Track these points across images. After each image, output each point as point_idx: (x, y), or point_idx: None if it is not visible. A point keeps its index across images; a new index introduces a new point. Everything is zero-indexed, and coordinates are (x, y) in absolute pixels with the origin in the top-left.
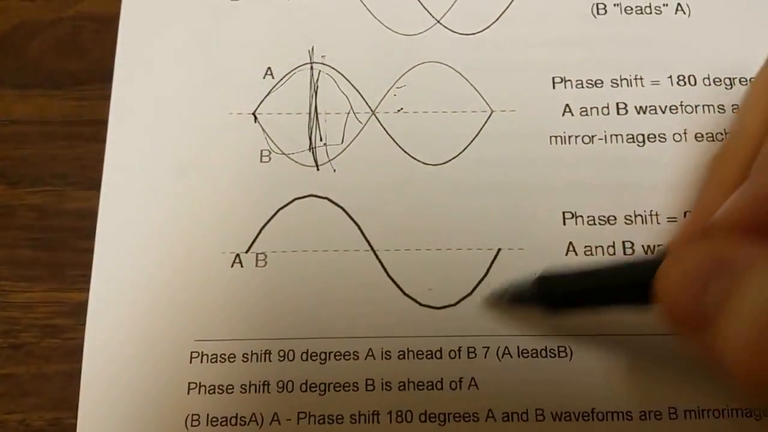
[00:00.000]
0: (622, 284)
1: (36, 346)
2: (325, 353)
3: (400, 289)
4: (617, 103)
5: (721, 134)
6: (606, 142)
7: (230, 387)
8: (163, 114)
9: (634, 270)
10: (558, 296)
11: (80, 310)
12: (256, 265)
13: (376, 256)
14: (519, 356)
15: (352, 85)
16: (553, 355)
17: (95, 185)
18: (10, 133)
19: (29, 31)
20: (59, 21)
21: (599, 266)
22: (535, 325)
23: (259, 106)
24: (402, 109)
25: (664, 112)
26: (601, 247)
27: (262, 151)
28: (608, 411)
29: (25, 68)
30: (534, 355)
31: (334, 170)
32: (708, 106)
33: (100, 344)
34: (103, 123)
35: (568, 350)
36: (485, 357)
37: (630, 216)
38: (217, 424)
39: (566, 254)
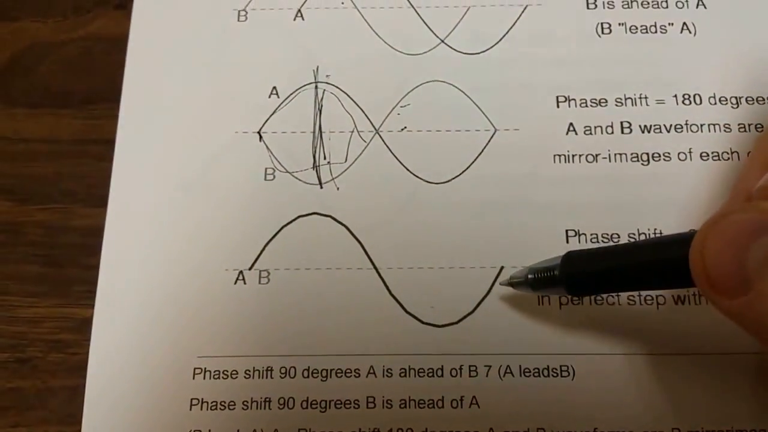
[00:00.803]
0: (653, 261)
1: (42, 361)
2: (327, 370)
3: (402, 307)
4: (621, 122)
5: (727, 153)
6: (610, 160)
7: (232, 403)
8: (170, 133)
9: (664, 247)
10: (585, 276)
11: (85, 326)
12: (259, 282)
13: (378, 274)
14: (521, 375)
15: (356, 104)
16: (555, 375)
17: (102, 203)
18: (19, 151)
19: (40, 52)
20: (69, 42)
21: (625, 246)
22: (537, 343)
23: (264, 124)
24: (406, 127)
25: (669, 131)
26: None
27: (266, 169)
28: (611, 431)
29: (35, 88)
30: (536, 374)
31: (338, 188)
32: (713, 125)
33: (105, 359)
34: (110, 142)
35: (571, 369)
36: (487, 375)
37: (633, 234)
38: None
39: None
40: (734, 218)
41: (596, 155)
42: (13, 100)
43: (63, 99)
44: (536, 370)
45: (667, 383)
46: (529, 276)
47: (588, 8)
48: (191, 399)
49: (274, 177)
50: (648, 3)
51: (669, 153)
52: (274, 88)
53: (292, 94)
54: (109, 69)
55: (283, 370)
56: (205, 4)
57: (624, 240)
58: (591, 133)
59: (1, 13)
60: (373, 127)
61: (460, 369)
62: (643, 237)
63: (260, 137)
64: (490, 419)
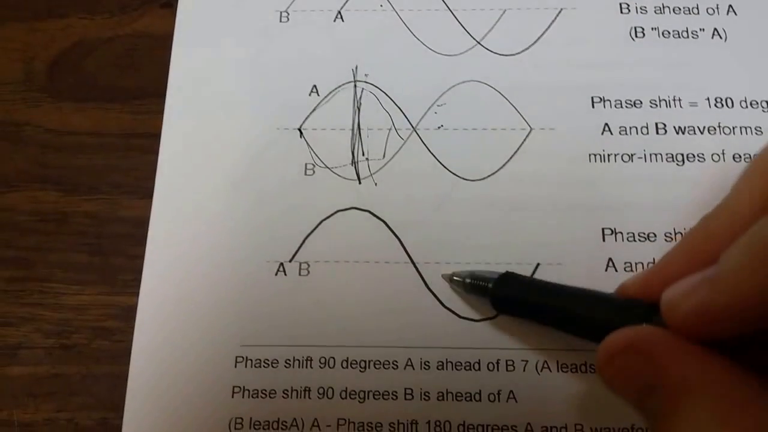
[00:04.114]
0: (570, 317)
1: (86, 347)
2: (365, 361)
3: (440, 301)
4: (656, 123)
5: None
6: (645, 161)
7: (273, 392)
8: (213, 128)
9: (584, 313)
10: (509, 300)
11: (130, 314)
12: (299, 274)
13: (416, 268)
14: (558, 371)
15: (394, 103)
16: (593, 371)
17: (147, 195)
18: (67, 143)
19: (87, 48)
20: (116, 38)
21: (558, 289)
22: (574, 340)
23: (304, 121)
24: (442, 126)
25: (702, 133)
26: (641, 263)
27: (306, 164)
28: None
29: (82, 83)
30: (573, 370)
31: (376, 184)
32: (745, 127)
33: (148, 347)
34: (156, 136)
35: None
36: (524, 370)
37: (670, 233)
38: (259, 428)
39: (605, 270)
40: (620, 369)
41: (632, 155)
42: (61, 95)
43: (110, 94)
44: (574, 366)
45: None
46: (467, 280)
47: (621, 13)
48: (233, 387)
49: (314, 172)
50: (680, 9)
51: (703, 154)
52: (315, 86)
53: (331, 92)
54: (154, 65)
55: (322, 360)
56: (248, 4)
57: (660, 240)
58: (626, 134)
59: (50, 11)
60: (411, 125)
61: (497, 363)
62: (679, 235)
63: (301, 134)
64: (528, 414)
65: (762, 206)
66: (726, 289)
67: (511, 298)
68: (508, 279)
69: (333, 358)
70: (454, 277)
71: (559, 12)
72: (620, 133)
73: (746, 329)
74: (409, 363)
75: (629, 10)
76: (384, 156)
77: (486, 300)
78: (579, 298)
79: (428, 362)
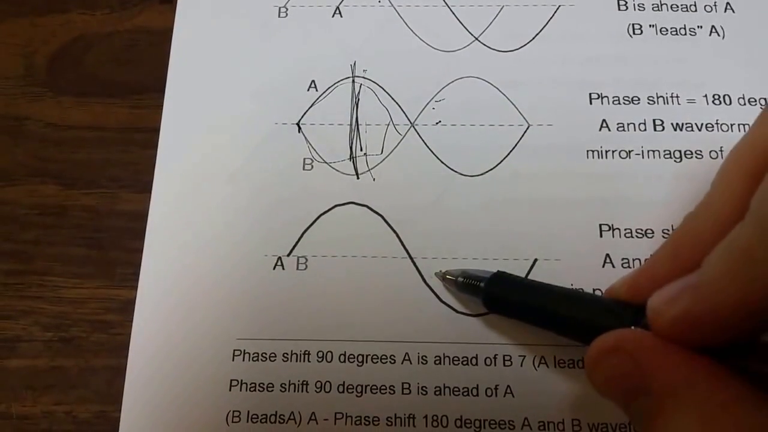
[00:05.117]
0: (559, 318)
1: (85, 341)
2: (363, 356)
3: (437, 296)
4: (654, 120)
5: None
6: (643, 157)
7: (270, 385)
8: (212, 123)
9: (575, 310)
10: (501, 300)
11: (128, 307)
12: (297, 269)
13: (414, 263)
14: (556, 366)
15: (393, 98)
16: None
17: (146, 189)
18: (67, 137)
19: (87, 43)
20: (116, 34)
21: (550, 291)
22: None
23: (303, 116)
24: (440, 121)
25: (700, 130)
26: (639, 259)
27: (305, 159)
28: None
29: (82, 78)
30: (570, 365)
31: (374, 179)
32: (743, 124)
33: (146, 340)
34: (155, 130)
35: None
36: (521, 365)
37: (667, 230)
38: (257, 421)
39: (603, 266)
40: (607, 371)
41: (629, 151)
42: (62, 89)
43: (110, 89)
44: (571, 362)
45: None
46: (459, 279)
47: (619, 9)
48: (231, 380)
49: (312, 167)
50: (677, 6)
51: (701, 151)
52: (313, 81)
53: (330, 87)
54: (154, 61)
55: (320, 354)
56: (247, 0)
57: (658, 236)
58: (624, 130)
59: (50, 5)
60: (409, 120)
61: (495, 358)
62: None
63: (299, 128)
64: (525, 409)
65: (740, 207)
66: (708, 297)
67: (503, 298)
68: (500, 279)
69: (330, 352)
70: (447, 276)
71: (557, 8)
72: (618, 130)
73: (732, 336)
74: (407, 357)
75: (627, 7)
76: (382, 151)
77: (478, 299)
78: (568, 300)
79: (425, 357)
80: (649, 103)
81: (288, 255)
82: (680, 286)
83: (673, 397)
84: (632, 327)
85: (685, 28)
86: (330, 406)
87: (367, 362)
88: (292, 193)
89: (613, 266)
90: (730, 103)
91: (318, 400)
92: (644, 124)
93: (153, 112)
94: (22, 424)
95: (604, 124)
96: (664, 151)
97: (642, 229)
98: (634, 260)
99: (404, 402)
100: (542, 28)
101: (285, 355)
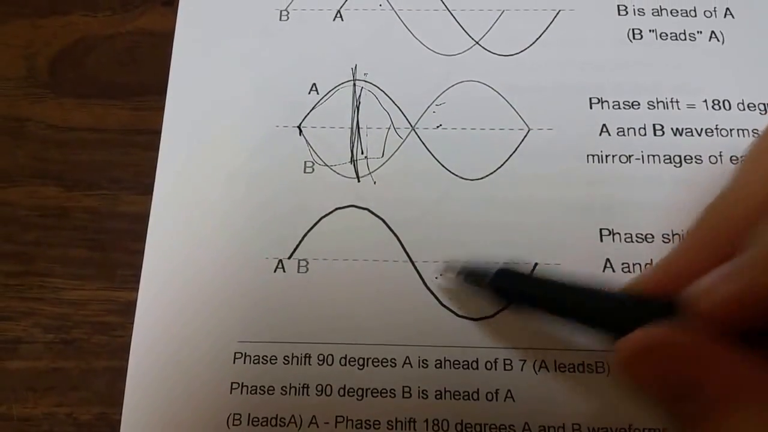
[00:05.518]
0: (578, 312)
1: (86, 342)
2: (363, 359)
3: (438, 300)
4: (654, 125)
5: None
6: (643, 162)
7: (271, 388)
8: (213, 125)
9: (596, 302)
10: (509, 293)
11: (129, 309)
12: (298, 271)
13: (414, 267)
14: (556, 370)
15: (393, 102)
16: (590, 370)
17: (148, 190)
18: (68, 139)
19: (89, 45)
20: (117, 36)
21: (562, 281)
22: (572, 339)
23: (304, 119)
24: (441, 125)
25: (700, 135)
26: (639, 264)
27: (305, 162)
28: (646, 428)
29: (84, 79)
30: (571, 369)
31: (375, 182)
32: (742, 130)
33: (147, 342)
34: (156, 132)
35: (606, 366)
36: (522, 370)
37: (668, 234)
38: (257, 424)
39: (603, 270)
40: (644, 375)
41: (630, 156)
42: (63, 91)
43: (111, 90)
44: (571, 366)
45: None
46: (462, 271)
47: (619, 14)
48: (231, 383)
49: (313, 170)
50: (677, 11)
51: (700, 156)
52: (314, 84)
53: (331, 90)
54: (155, 63)
55: (321, 357)
56: (248, 3)
57: (658, 241)
58: (624, 135)
59: (52, 7)
60: (409, 123)
61: (495, 362)
62: (677, 238)
63: (300, 131)
64: (525, 413)
65: None
66: (763, 273)
67: (514, 289)
68: (509, 271)
69: (331, 355)
70: (447, 270)
71: (558, 13)
72: (618, 134)
73: None
74: (408, 361)
75: (627, 12)
76: (383, 155)
77: (479, 293)
78: (590, 293)
79: (426, 360)
80: (649, 107)
81: (289, 258)
82: (731, 266)
83: (735, 400)
84: (668, 322)
85: (684, 34)
86: (331, 410)
87: (367, 365)
88: (293, 195)
89: (614, 271)
90: (730, 109)
91: (319, 403)
92: (644, 128)
93: (154, 114)
94: (23, 426)
95: (605, 129)
96: (664, 155)
97: (642, 234)
98: (634, 265)
99: (405, 405)
100: (542, 33)
101: (286, 358)
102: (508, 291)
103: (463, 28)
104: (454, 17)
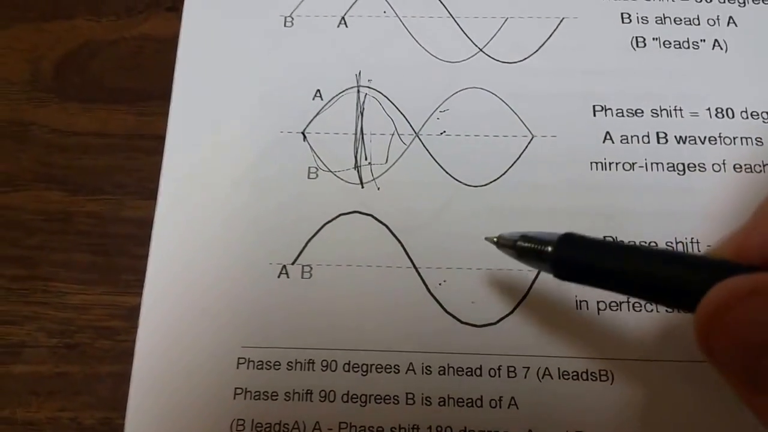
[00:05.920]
0: (652, 280)
1: (90, 347)
2: (367, 365)
3: (442, 307)
4: (657, 133)
5: (759, 166)
6: (647, 169)
7: (275, 394)
8: (218, 131)
9: (670, 269)
10: (576, 264)
11: (133, 314)
12: (302, 277)
13: (418, 273)
14: (560, 377)
15: (397, 108)
16: (594, 378)
17: (152, 196)
18: (72, 144)
19: (93, 50)
20: (122, 41)
21: (631, 249)
22: (575, 347)
23: (308, 125)
24: (445, 132)
25: (703, 143)
26: None
27: (309, 168)
28: None
29: (88, 84)
30: (575, 377)
31: (378, 188)
32: (746, 138)
33: (151, 347)
34: (161, 137)
35: (610, 374)
36: (525, 377)
37: (671, 242)
38: (261, 430)
39: None
40: (741, 318)
41: (633, 164)
42: (67, 95)
43: (115, 95)
44: (575, 373)
45: (708, 390)
46: (519, 243)
47: (623, 22)
48: (235, 388)
49: (317, 176)
50: (681, 20)
51: (704, 164)
52: (318, 91)
53: (335, 96)
54: (159, 68)
55: (324, 363)
56: (253, 9)
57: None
58: (628, 142)
59: (56, 12)
60: (413, 130)
61: (499, 369)
62: (680, 246)
63: (304, 137)
64: (529, 420)
65: None
66: None
67: (578, 264)
68: (569, 242)
69: (335, 361)
70: (501, 240)
71: (561, 21)
72: (622, 142)
73: None
74: (411, 367)
75: (631, 20)
76: (387, 161)
77: (543, 266)
78: (669, 257)
79: (430, 367)
80: (652, 115)
81: (293, 263)
82: None
83: None
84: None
85: (688, 42)
86: (334, 416)
87: (371, 372)
88: (296, 201)
89: None
90: (733, 117)
91: (322, 409)
92: (647, 136)
93: (159, 119)
94: (27, 430)
95: (608, 136)
96: (668, 163)
97: (645, 242)
98: None
99: (408, 412)
100: (546, 40)
101: (289, 363)
102: (575, 262)
103: (467, 36)
104: (458, 24)
